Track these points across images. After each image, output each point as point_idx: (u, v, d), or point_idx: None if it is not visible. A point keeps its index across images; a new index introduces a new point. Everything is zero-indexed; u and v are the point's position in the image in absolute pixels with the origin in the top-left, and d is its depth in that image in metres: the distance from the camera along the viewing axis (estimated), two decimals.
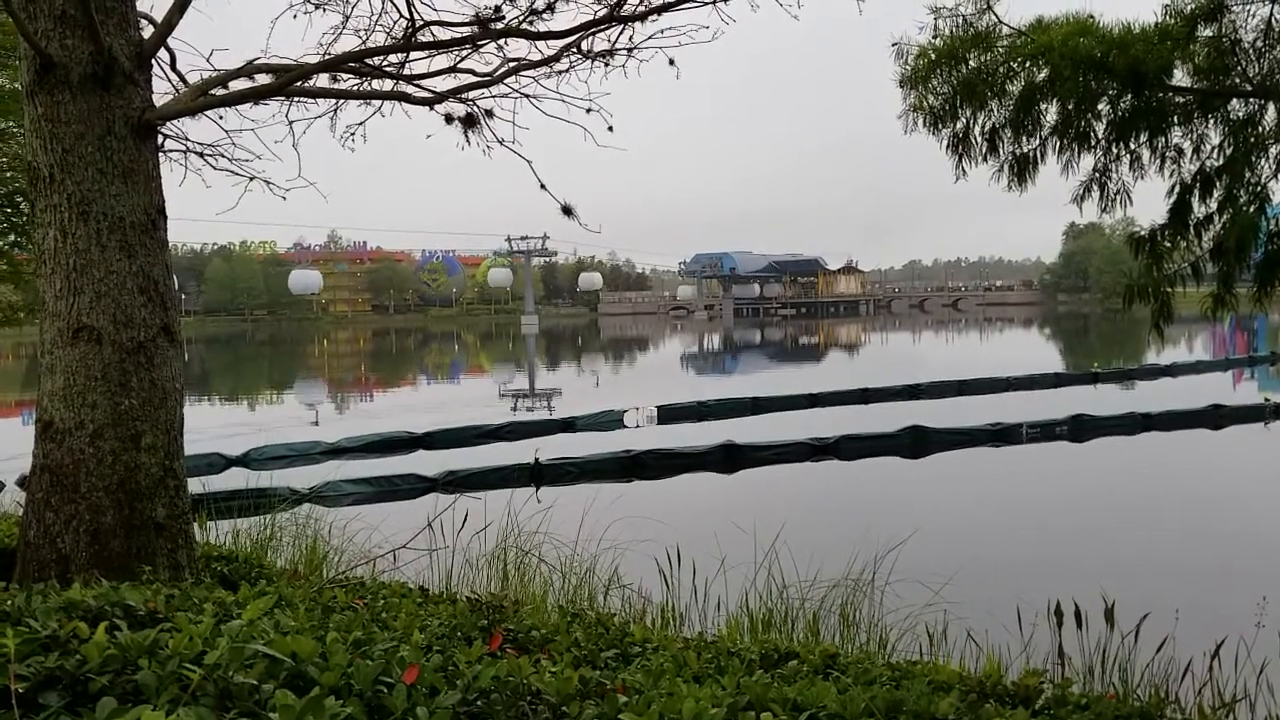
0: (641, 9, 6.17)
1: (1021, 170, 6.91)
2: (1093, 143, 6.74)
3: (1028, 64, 6.50)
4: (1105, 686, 6.15)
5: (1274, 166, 6.37)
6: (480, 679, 2.43)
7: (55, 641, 2.32)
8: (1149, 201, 7.11)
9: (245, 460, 19.29)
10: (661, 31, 6.31)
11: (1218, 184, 6.53)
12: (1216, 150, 6.63)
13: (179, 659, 2.24)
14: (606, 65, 6.58)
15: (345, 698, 2.15)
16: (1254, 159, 6.35)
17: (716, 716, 2.33)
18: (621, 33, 6.36)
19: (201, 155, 6.94)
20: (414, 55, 6.63)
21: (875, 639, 7.39)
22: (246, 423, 26.96)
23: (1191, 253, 6.78)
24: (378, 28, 6.64)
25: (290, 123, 6.72)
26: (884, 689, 3.26)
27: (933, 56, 6.65)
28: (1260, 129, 6.47)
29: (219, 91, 6.25)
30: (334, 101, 6.77)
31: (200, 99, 6.11)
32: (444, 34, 6.44)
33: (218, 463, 18.85)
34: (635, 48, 6.44)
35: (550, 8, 6.22)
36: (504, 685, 2.45)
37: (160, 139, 6.05)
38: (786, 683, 3.26)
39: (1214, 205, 6.59)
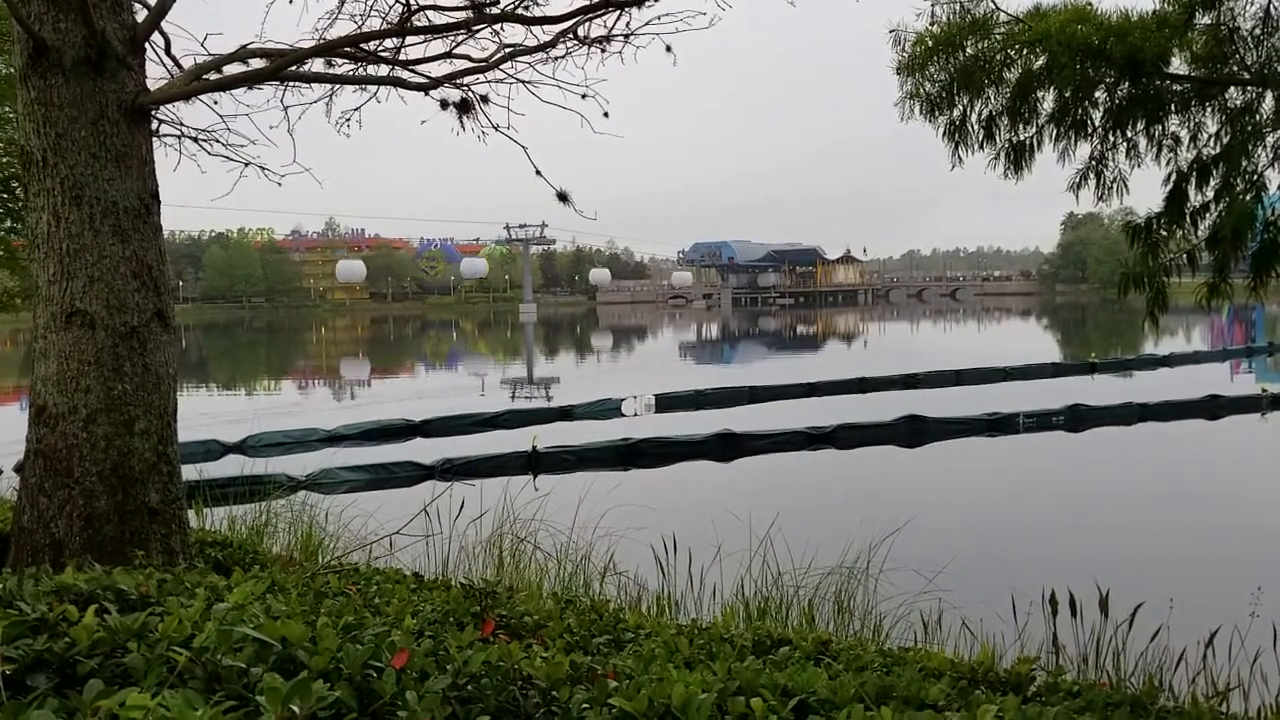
0: None
1: (1018, 158, 6.89)
2: (1089, 130, 6.71)
3: (1025, 51, 6.47)
4: (1099, 675, 6.15)
5: (1271, 155, 6.34)
6: (471, 664, 2.43)
7: (44, 624, 2.31)
8: (1146, 190, 7.08)
9: (242, 447, 19.29)
10: (658, 18, 6.29)
11: (1214, 172, 6.50)
12: (1213, 138, 6.60)
13: (168, 642, 2.23)
14: (603, 51, 6.56)
15: (334, 681, 2.14)
16: (1251, 147, 6.31)
17: (706, 701, 2.33)
18: (618, 18, 6.34)
19: (196, 140, 6.91)
20: (409, 40, 6.60)
21: (869, 626, 7.40)
22: (244, 409, 26.94)
23: (1188, 241, 6.76)
24: (373, 13, 6.61)
25: (285, 108, 6.70)
26: (875, 675, 3.26)
27: (930, 43, 6.61)
28: (1258, 117, 6.45)
29: (213, 76, 6.22)
30: (329, 87, 6.74)
31: (194, 83, 6.08)
32: (439, 19, 6.41)
33: (215, 449, 18.85)
34: (632, 34, 6.41)
35: None
36: (494, 670, 2.45)
37: (154, 124, 6.03)
38: (778, 668, 3.26)
39: (1210, 194, 6.56)
